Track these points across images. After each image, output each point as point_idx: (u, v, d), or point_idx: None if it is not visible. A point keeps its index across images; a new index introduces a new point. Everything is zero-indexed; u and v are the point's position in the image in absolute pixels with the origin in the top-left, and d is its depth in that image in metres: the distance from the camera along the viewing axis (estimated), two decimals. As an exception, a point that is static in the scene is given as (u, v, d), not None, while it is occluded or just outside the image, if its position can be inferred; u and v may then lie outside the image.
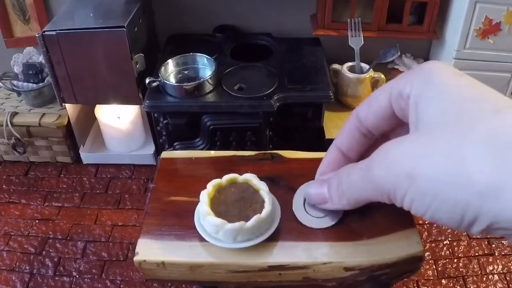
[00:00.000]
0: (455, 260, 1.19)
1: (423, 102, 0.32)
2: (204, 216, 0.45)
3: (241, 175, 0.50)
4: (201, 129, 1.19)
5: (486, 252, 1.21)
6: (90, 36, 1.15)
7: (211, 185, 0.47)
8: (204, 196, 0.47)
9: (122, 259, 1.20)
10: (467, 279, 1.15)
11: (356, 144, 0.42)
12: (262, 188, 0.48)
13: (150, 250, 0.47)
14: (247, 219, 0.44)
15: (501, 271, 1.16)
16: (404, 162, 0.30)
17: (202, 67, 1.27)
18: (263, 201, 0.47)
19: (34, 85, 1.40)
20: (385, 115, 0.38)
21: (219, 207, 0.47)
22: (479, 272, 1.16)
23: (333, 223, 0.49)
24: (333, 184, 0.40)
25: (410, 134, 0.33)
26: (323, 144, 1.23)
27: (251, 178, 0.49)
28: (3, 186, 1.40)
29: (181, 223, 0.49)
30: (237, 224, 0.43)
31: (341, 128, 0.44)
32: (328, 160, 0.44)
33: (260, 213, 0.45)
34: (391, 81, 0.37)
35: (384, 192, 0.33)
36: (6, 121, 1.36)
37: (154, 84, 1.17)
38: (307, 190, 0.42)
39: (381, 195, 0.34)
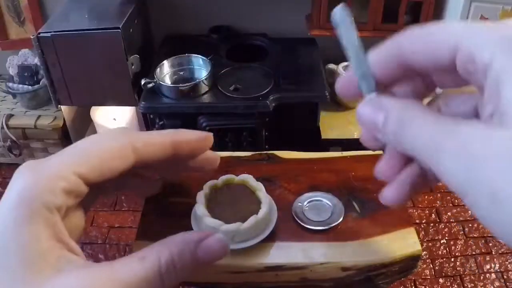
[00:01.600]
0: (452, 259, 1.19)
1: (509, 85, 0.23)
2: (201, 217, 0.45)
3: (237, 176, 0.50)
4: (197, 130, 1.18)
5: (483, 250, 1.21)
6: (85, 37, 1.14)
7: (207, 186, 0.47)
8: (201, 197, 0.46)
9: (119, 261, 1.19)
10: (464, 278, 1.15)
11: (390, 73, 0.31)
12: (259, 188, 0.48)
13: (146, 251, 0.47)
14: (244, 220, 0.44)
15: (498, 270, 1.17)
16: (490, 174, 0.22)
17: (198, 68, 1.27)
18: (259, 202, 0.47)
19: (30, 87, 1.39)
20: (440, 65, 0.27)
21: (216, 208, 0.46)
22: (476, 271, 1.16)
23: (333, 225, 0.49)
24: (393, 116, 0.28)
25: (496, 127, 0.23)
26: (319, 144, 1.23)
27: (247, 179, 0.49)
28: (-1, 189, 1.40)
29: (177, 225, 0.49)
30: (234, 225, 0.43)
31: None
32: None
33: (257, 214, 0.45)
34: (455, 24, 0.26)
35: (451, 184, 0.25)
36: (2, 124, 1.35)
37: (150, 85, 1.17)
38: (358, 108, 0.30)
39: (448, 181, 0.25)
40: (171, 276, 0.31)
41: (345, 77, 0.32)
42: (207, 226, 0.44)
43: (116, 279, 0.29)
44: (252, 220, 0.44)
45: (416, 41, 0.28)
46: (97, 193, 0.38)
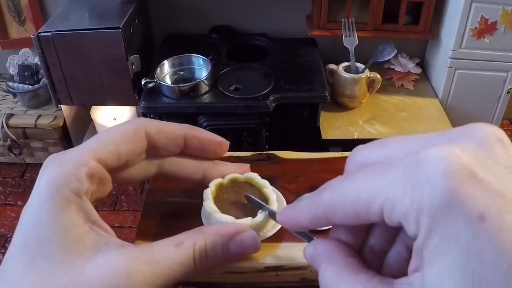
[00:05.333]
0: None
1: (431, 267, 0.22)
2: (210, 213, 0.45)
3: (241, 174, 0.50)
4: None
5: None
6: (86, 37, 1.14)
7: (213, 184, 0.47)
8: (208, 194, 0.46)
9: (118, 260, 1.20)
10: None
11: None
12: (265, 185, 0.47)
13: (146, 251, 0.47)
14: (253, 216, 0.44)
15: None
16: None
17: (198, 68, 1.27)
18: (267, 199, 0.46)
19: (30, 86, 1.39)
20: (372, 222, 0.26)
21: (224, 206, 0.46)
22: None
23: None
24: (327, 274, 0.29)
25: None
26: (319, 144, 1.23)
27: (253, 176, 0.48)
28: (-1, 188, 1.40)
29: (177, 224, 0.49)
30: (246, 220, 0.43)
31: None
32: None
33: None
34: (375, 183, 0.24)
35: None
36: (2, 123, 1.35)
37: (150, 85, 1.17)
38: (305, 249, 0.31)
39: None
40: (202, 263, 0.33)
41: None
42: (218, 222, 0.44)
43: (154, 261, 0.31)
44: (262, 214, 0.44)
45: (344, 214, 0.26)
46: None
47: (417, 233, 0.22)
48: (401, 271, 0.27)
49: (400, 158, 0.24)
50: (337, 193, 0.26)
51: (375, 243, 0.29)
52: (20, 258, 0.30)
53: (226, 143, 0.45)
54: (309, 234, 0.35)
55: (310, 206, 0.28)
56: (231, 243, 0.35)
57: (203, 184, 0.45)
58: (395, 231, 0.28)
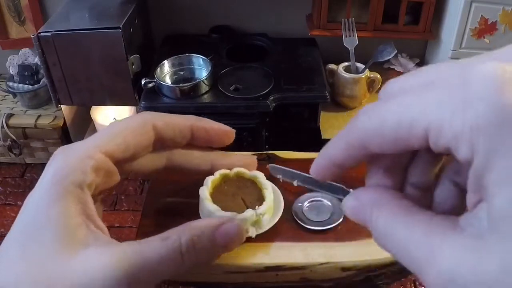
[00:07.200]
0: (452, 260, 1.19)
1: (498, 189, 0.19)
2: (202, 200, 0.45)
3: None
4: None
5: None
6: (86, 37, 1.14)
7: (218, 173, 0.47)
8: (208, 182, 0.46)
9: (118, 260, 1.19)
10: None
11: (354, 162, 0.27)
12: (266, 187, 0.47)
13: (146, 251, 0.47)
14: (252, 209, 0.44)
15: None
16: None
17: (198, 68, 1.27)
18: (263, 200, 0.46)
19: (30, 86, 1.39)
20: (411, 149, 0.24)
21: (221, 196, 0.46)
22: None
23: (333, 225, 0.49)
24: (382, 217, 0.25)
25: (486, 244, 0.20)
26: (319, 144, 1.23)
27: (258, 175, 0.49)
28: (-1, 188, 1.40)
29: (177, 224, 0.49)
30: (248, 213, 0.43)
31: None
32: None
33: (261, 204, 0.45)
34: (418, 105, 0.22)
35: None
36: (2, 123, 1.35)
37: (150, 85, 1.17)
38: (345, 201, 0.29)
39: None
40: (191, 256, 0.33)
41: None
42: (206, 210, 0.44)
43: (141, 256, 0.31)
44: (253, 211, 0.44)
45: (382, 139, 0.24)
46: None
47: (470, 157, 0.20)
48: (454, 210, 0.26)
49: (443, 79, 0.23)
50: (374, 117, 0.24)
51: (418, 180, 0.27)
52: (17, 243, 0.31)
53: (232, 131, 0.46)
54: (345, 188, 0.34)
55: (344, 135, 0.26)
56: (217, 234, 0.35)
57: (211, 175, 0.45)
58: (436, 163, 0.26)
